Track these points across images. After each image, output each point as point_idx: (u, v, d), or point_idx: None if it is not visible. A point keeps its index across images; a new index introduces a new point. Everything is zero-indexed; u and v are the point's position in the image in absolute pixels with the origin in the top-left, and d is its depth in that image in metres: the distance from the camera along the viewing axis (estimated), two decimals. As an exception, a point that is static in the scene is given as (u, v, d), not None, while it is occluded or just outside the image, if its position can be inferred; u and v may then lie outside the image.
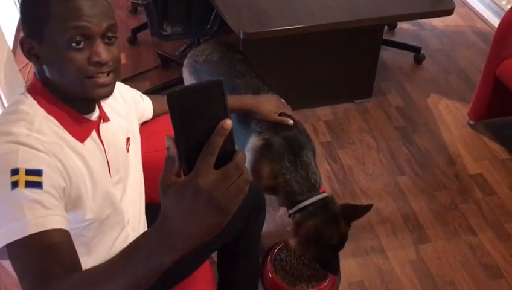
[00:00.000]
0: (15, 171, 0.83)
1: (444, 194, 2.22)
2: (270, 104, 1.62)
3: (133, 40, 3.21)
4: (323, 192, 1.63)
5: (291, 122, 1.63)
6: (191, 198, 0.58)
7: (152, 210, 1.24)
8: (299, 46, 2.43)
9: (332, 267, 1.67)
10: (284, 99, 1.71)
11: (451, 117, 2.65)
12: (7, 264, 0.87)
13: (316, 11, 2.12)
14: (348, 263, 1.93)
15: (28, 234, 0.80)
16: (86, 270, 0.75)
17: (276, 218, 2.07)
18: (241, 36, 1.98)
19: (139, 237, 0.66)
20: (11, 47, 2.25)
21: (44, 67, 0.94)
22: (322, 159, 2.36)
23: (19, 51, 1.15)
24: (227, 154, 0.60)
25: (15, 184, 0.82)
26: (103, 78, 0.93)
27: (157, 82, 2.82)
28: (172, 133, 0.60)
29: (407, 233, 2.05)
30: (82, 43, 0.90)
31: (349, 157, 2.40)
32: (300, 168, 1.58)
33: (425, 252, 1.98)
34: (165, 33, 2.47)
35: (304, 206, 1.58)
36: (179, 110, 0.58)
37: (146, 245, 0.64)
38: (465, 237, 2.03)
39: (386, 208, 2.15)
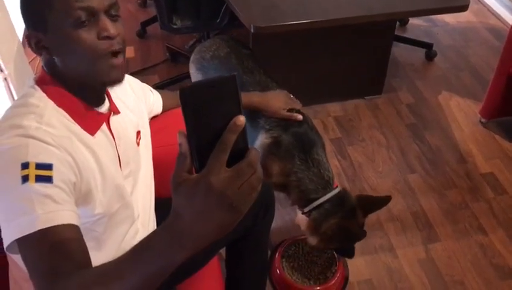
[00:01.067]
0: (25, 165, 0.82)
1: (454, 192, 2.19)
2: (278, 101, 1.60)
3: (142, 34, 3.19)
4: (337, 187, 1.61)
5: (300, 117, 1.61)
6: (202, 196, 0.57)
7: (160, 205, 1.24)
8: (309, 41, 2.41)
9: (350, 253, 1.67)
10: (293, 95, 1.69)
11: (462, 115, 2.61)
12: (17, 258, 0.86)
13: (327, 6, 2.09)
14: (357, 261, 1.91)
15: (37, 229, 0.79)
16: (96, 268, 0.74)
17: (285, 215, 2.06)
18: (252, 30, 1.96)
19: (149, 235, 0.65)
20: (21, 39, 2.24)
21: (55, 58, 0.93)
22: (332, 155, 2.34)
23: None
24: (239, 152, 0.59)
25: (25, 178, 0.81)
26: (116, 60, 0.92)
27: (166, 76, 2.81)
28: (182, 128, 0.59)
29: (417, 231, 2.03)
30: (87, 22, 0.89)
31: (359, 154, 2.38)
32: (312, 166, 1.56)
33: (434, 251, 1.95)
34: (174, 27, 2.46)
35: (320, 204, 1.56)
36: (192, 106, 0.57)
37: (156, 244, 0.63)
38: (476, 237, 2.01)
39: (396, 206, 2.13)
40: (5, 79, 1.96)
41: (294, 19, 2.02)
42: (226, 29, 2.63)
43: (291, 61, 2.45)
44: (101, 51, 0.90)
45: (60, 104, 0.94)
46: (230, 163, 0.58)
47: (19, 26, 2.25)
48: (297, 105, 1.65)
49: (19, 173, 0.82)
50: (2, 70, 1.95)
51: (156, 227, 1.26)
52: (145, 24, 3.18)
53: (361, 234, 1.59)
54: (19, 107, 0.93)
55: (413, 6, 2.14)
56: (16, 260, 1.01)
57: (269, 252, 1.86)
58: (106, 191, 0.99)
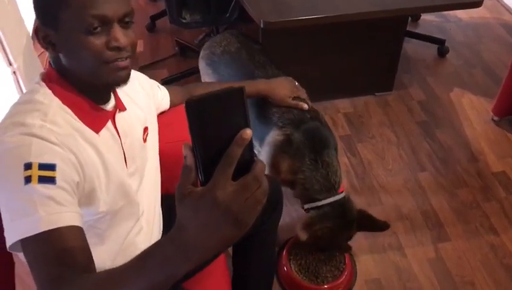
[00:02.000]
0: (28, 166, 0.81)
1: (465, 191, 2.16)
2: (284, 88, 1.59)
3: (151, 27, 3.18)
4: (342, 192, 1.60)
5: (306, 106, 1.61)
6: (208, 210, 0.56)
7: (167, 201, 1.23)
8: (319, 36, 2.38)
9: (341, 248, 1.71)
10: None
11: (474, 113, 2.57)
12: (21, 255, 0.86)
13: (338, 1, 2.06)
14: (365, 260, 1.89)
15: (40, 231, 0.78)
16: (98, 274, 0.74)
17: (292, 211, 2.04)
18: (262, 25, 1.94)
19: (153, 245, 0.64)
20: (30, 33, 2.24)
21: (61, 55, 0.92)
22: (341, 152, 2.31)
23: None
24: (245, 164, 0.58)
25: (28, 179, 0.80)
26: (121, 62, 0.91)
27: (175, 70, 2.80)
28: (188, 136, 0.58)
29: (427, 231, 2.00)
30: (99, 28, 0.88)
31: (369, 152, 2.35)
32: (321, 167, 1.55)
33: (444, 251, 1.93)
34: (183, 21, 2.45)
35: (321, 205, 1.56)
36: (198, 119, 0.56)
37: (159, 255, 0.62)
38: (487, 237, 1.98)
39: (405, 205, 2.10)
40: (14, 72, 1.96)
41: (304, 14, 1.99)
42: (236, 24, 2.61)
43: (301, 56, 2.43)
44: (107, 59, 0.90)
45: (65, 101, 0.93)
46: (235, 176, 0.57)
47: (28, 19, 2.25)
48: (302, 93, 1.64)
49: (21, 173, 0.81)
50: (11, 64, 1.95)
51: (161, 224, 1.25)
52: (154, 18, 3.17)
53: (346, 248, 1.63)
54: (24, 103, 0.92)
55: (426, 2, 2.11)
56: (19, 255, 1.01)
57: (276, 250, 1.85)
58: (110, 190, 0.98)
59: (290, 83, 1.64)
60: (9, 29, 1.92)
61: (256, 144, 1.72)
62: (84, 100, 0.95)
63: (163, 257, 0.61)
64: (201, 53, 1.96)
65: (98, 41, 0.88)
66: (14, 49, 1.94)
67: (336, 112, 2.56)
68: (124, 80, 0.94)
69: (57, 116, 0.90)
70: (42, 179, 0.81)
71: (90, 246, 0.85)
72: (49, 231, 0.79)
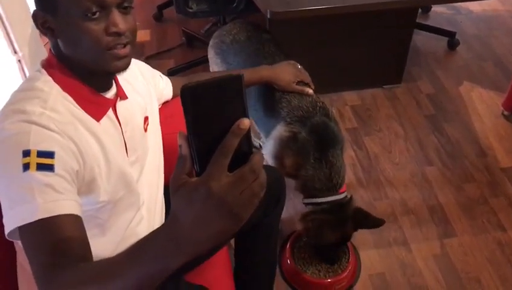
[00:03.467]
0: (27, 153, 0.80)
1: (473, 187, 2.13)
2: (287, 74, 1.58)
3: (158, 17, 3.17)
4: (344, 192, 1.59)
5: (310, 92, 1.60)
6: (201, 202, 0.54)
7: (169, 192, 1.22)
8: (327, 28, 2.35)
9: (326, 259, 1.73)
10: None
11: (484, 107, 2.53)
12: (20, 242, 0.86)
13: (347, -9, 2.02)
14: (369, 254, 1.88)
15: (37, 218, 0.78)
16: (94, 263, 0.73)
17: (297, 204, 2.02)
18: (268, 16, 1.91)
19: (147, 235, 0.63)
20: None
21: (59, 41, 0.91)
22: (347, 145, 2.29)
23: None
24: (243, 156, 0.56)
25: (26, 166, 0.80)
26: (121, 50, 0.90)
27: (182, 60, 2.78)
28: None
29: (432, 226, 1.98)
30: (98, 14, 0.86)
31: (376, 145, 2.32)
32: (325, 167, 1.54)
33: (450, 247, 1.91)
34: (190, 10, 2.42)
35: (319, 203, 1.56)
36: (193, 107, 0.54)
37: (153, 246, 0.61)
38: (494, 233, 1.95)
39: (412, 199, 2.08)
40: (19, 61, 1.96)
41: (311, 4, 1.96)
42: (243, 14, 2.58)
43: (308, 47, 2.40)
44: (106, 45, 0.88)
45: (65, 88, 0.92)
46: (232, 167, 0.55)
47: (34, 7, 2.24)
48: (306, 77, 1.62)
49: (20, 160, 0.80)
50: (16, 52, 1.94)
51: (164, 213, 1.24)
52: (161, 7, 3.16)
53: (338, 243, 1.64)
54: (24, 91, 0.91)
55: (437, -7, 2.07)
56: (20, 244, 1.00)
57: (279, 243, 1.84)
58: (111, 178, 0.97)
59: (293, 67, 1.62)
60: (15, 18, 1.91)
61: (262, 135, 1.71)
62: (85, 87, 0.94)
63: (157, 249, 0.60)
64: (211, 42, 1.94)
65: (96, 26, 0.86)
66: (19, 37, 1.94)
67: (343, 105, 2.54)
68: (123, 68, 0.93)
69: (57, 104, 0.89)
70: (40, 167, 0.80)
71: (91, 237, 0.84)
72: (46, 218, 0.78)
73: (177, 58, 2.84)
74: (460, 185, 2.14)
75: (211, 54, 1.93)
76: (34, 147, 0.81)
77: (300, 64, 1.66)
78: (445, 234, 1.95)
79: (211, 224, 0.55)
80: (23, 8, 2.08)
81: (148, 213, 1.14)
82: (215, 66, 1.90)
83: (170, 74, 1.37)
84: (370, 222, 1.59)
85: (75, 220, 0.81)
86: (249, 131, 0.56)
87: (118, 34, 0.88)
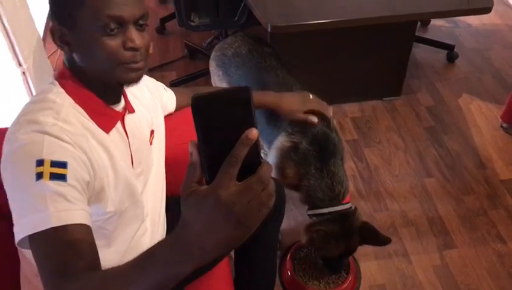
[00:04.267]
0: (40, 162, 0.82)
1: (472, 199, 2.14)
2: (293, 103, 1.53)
3: (161, 30, 3.20)
4: (348, 202, 1.59)
5: (315, 120, 1.54)
6: (210, 210, 0.56)
7: (173, 203, 1.23)
8: (328, 41, 2.38)
9: (333, 269, 1.72)
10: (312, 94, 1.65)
11: (483, 119, 2.55)
12: (28, 253, 0.87)
13: (346, 6, 2.06)
14: (370, 265, 1.88)
15: (49, 227, 0.79)
16: (103, 272, 0.74)
17: (298, 215, 2.04)
18: (269, 30, 1.94)
19: (156, 244, 0.64)
20: (41, 34, 2.26)
21: (75, 54, 0.93)
22: (347, 157, 2.31)
23: (48, 38, 1.14)
24: (251, 165, 0.57)
25: (40, 175, 0.81)
26: (136, 64, 0.93)
27: (184, 73, 2.81)
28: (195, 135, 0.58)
29: (432, 237, 1.99)
30: (116, 30, 0.89)
31: (376, 157, 2.34)
32: (326, 177, 1.54)
33: (450, 258, 1.91)
34: (192, 24, 2.45)
35: (323, 213, 1.56)
36: (203, 116, 0.56)
37: (162, 254, 0.62)
38: (494, 245, 1.96)
39: (412, 211, 2.09)
40: (24, 73, 1.98)
41: (312, 18, 1.99)
42: (244, 27, 2.61)
43: (309, 60, 2.42)
44: (122, 59, 0.91)
45: (77, 100, 0.94)
46: (241, 176, 0.56)
47: (39, 20, 2.27)
48: (317, 105, 1.56)
49: (33, 169, 0.82)
50: (20, 65, 1.97)
51: (165, 226, 1.25)
52: (164, 20, 3.19)
53: (343, 255, 1.62)
54: (37, 102, 0.93)
55: (436, 8, 2.10)
56: (26, 255, 1.02)
57: (280, 253, 1.85)
58: (118, 189, 0.99)
59: (302, 97, 1.57)
60: (19, 30, 1.94)
61: (265, 146, 1.72)
62: (96, 100, 0.97)
63: (167, 256, 0.61)
64: (212, 54, 1.96)
65: (113, 42, 0.89)
66: (24, 49, 1.96)
67: (344, 116, 2.56)
68: (137, 80, 0.96)
69: (70, 115, 0.91)
70: (54, 176, 0.82)
71: (98, 248, 0.85)
72: (58, 227, 0.79)
73: (179, 71, 2.87)
74: (459, 197, 2.15)
75: (213, 67, 1.95)
76: (48, 157, 0.83)
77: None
78: (445, 245, 1.96)
79: (219, 232, 0.57)
80: (27, 20, 2.11)
81: (152, 226, 1.15)
82: (217, 78, 1.92)
83: (172, 85, 1.39)
84: (378, 240, 1.58)
85: (85, 230, 0.83)
86: (257, 141, 0.57)
87: (135, 49, 0.91)
